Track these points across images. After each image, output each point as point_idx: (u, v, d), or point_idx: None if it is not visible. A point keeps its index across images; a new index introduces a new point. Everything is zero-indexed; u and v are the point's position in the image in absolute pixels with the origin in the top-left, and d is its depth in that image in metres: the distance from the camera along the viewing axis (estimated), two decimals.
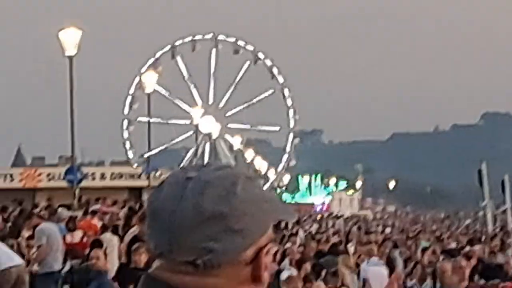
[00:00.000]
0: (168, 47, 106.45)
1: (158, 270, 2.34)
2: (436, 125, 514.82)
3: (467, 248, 32.15)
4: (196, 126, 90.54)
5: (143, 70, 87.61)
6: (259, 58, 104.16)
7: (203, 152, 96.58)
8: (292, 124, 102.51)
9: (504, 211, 61.25)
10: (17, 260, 20.70)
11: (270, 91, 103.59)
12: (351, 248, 30.19)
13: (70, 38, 42.57)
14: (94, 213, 32.79)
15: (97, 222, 28.83)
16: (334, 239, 35.06)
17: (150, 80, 69.48)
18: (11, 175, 52.23)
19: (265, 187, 2.77)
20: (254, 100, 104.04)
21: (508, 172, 61.61)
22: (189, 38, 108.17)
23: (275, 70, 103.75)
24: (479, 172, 58.51)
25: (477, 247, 33.82)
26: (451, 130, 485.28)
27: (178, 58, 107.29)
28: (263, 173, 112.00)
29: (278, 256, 25.00)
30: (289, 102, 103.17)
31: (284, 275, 19.15)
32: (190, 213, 2.20)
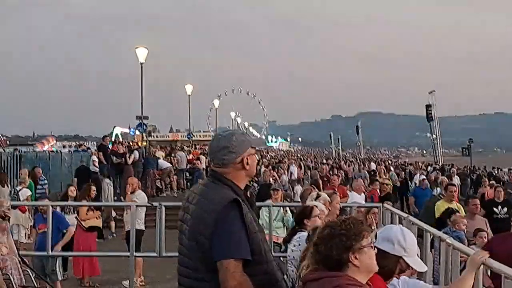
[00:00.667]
0: (223, 92, 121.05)
1: (212, 166, 2.99)
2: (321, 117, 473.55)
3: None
4: (233, 119, 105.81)
5: (215, 100, 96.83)
6: (254, 96, 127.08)
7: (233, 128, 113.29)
8: (266, 119, 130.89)
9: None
10: (168, 164, 22.52)
11: (259, 108, 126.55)
12: (286, 160, 29.81)
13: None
14: (198, 148, 34.74)
15: (198, 152, 29.60)
16: (280, 158, 35.67)
17: (216, 102, 76.78)
18: (168, 135, 54.89)
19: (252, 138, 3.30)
20: (252, 113, 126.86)
21: None
22: (231, 88, 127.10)
23: (259, 100, 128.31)
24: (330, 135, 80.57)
25: (329, 161, 37.96)
26: (332, 119, 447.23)
27: (216, 103, 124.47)
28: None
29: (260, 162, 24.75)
30: (265, 112, 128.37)
31: (261, 170, 19.10)
32: (216, 146, 2.87)
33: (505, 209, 8.94)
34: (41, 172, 15.20)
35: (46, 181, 14.75)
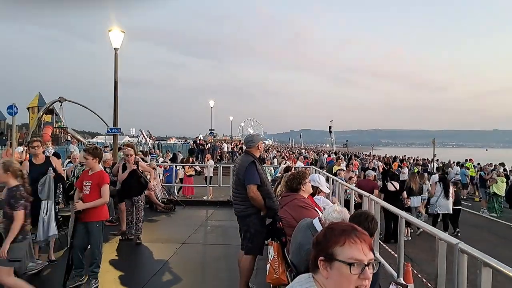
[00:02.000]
0: (243, 123, 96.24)
1: (245, 148, 2.52)
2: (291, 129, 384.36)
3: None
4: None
5: (241, 125, 76.68)
6: (256, 121, 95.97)
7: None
8: (262, 131, 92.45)
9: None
10: (225, 148, 20.41)
11: (260, 128, 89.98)
12: (271, 149, 24.69)
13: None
14: (234, 143, 27.24)
15: (234, 144, 23.80)
16: (268, 147, 28.89)
17: (245, 125, 60.29)
18: (222, 137, 36.63)
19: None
20: (257, 128, 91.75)
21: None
22: (245, 119, 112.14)
23: (259, 121, 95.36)
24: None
25: (289, 149, 33.09)
26: (290, 132, 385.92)
27: (243, 124, 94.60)
28: None
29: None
30: (263, 128, 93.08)
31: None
32: (247, 140, 2.53)
33: (370, 171, 9.00)
34: (153, 151, 14.02)
35: (155, 155, 12.99)
